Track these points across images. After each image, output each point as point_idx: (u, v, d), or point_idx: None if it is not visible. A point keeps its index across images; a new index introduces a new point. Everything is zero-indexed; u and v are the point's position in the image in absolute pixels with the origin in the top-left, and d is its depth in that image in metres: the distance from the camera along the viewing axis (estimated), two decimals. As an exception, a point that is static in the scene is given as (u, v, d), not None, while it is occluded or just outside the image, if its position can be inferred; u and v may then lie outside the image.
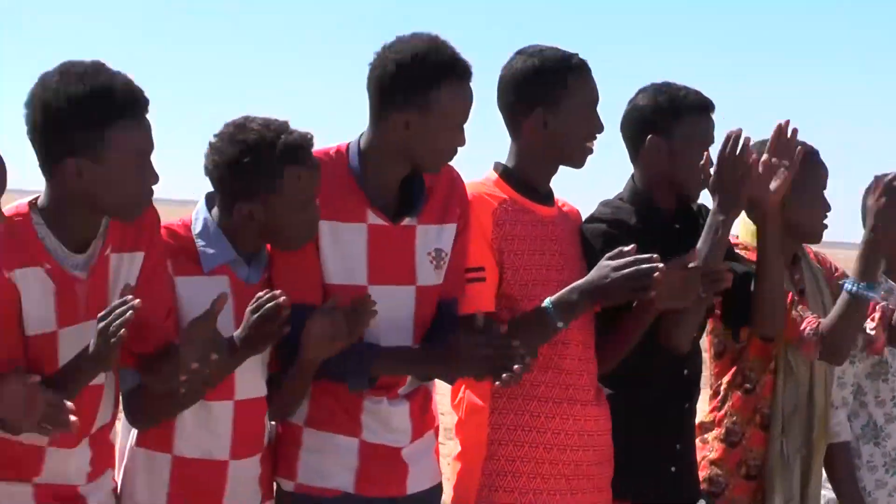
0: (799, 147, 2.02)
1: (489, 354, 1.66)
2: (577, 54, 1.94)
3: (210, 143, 1.72)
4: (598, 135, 1.97)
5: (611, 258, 1.79)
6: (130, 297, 1.40)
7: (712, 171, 1.96)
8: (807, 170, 2.10)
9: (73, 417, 1.37)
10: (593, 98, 1.95)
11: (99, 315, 1.42)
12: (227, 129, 1.71)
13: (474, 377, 1.78)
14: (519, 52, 1.96)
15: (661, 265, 1.74)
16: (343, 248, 1.77)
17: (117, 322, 1.36)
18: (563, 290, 1.82)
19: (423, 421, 1.88)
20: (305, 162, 1.68)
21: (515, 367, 1.61)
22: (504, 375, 1.62)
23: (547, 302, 1.81)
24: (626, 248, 1.78)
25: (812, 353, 2.07)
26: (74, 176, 1.48)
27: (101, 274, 1.57)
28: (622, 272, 1.76)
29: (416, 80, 1.70)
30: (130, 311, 1.36)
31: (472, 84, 1.79)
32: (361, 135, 1.84)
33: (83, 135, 1.47)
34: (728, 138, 1.92)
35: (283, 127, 1.69)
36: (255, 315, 1.59)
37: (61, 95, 1.46)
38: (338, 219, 1.75)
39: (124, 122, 1.49)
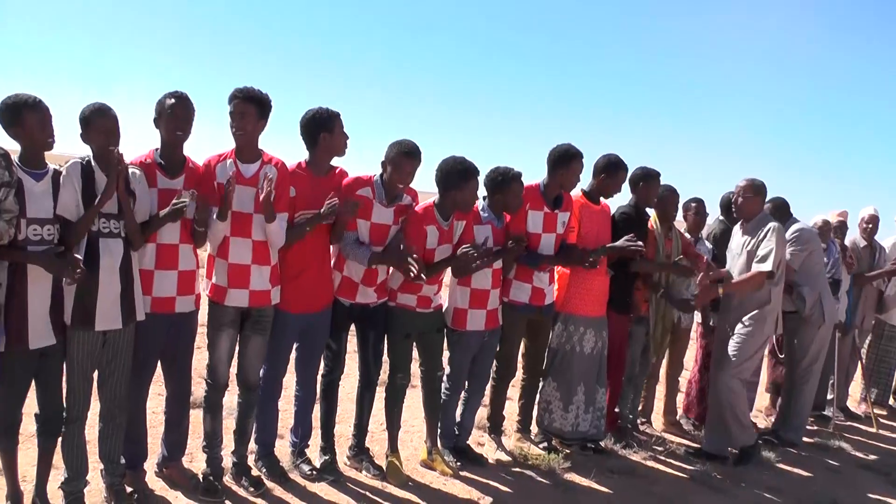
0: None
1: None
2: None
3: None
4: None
5: (627, 239, 4.61)
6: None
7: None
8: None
9: None
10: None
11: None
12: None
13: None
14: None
15: (640, 244, 4.64)
16: (535, 219, 4.54)
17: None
18: (606, 245, 4.69)
19: (551, 279, 4.72)
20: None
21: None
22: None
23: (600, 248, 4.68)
24: (630, 235, 4.62)
25: None
26: None
27: None
28: (630, 245, 4.60)
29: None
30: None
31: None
32: (543, 180, 4.64)
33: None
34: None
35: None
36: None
37: None
38: (535, 208, 4.55)
39: None
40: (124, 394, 3.47)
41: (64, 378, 3.29)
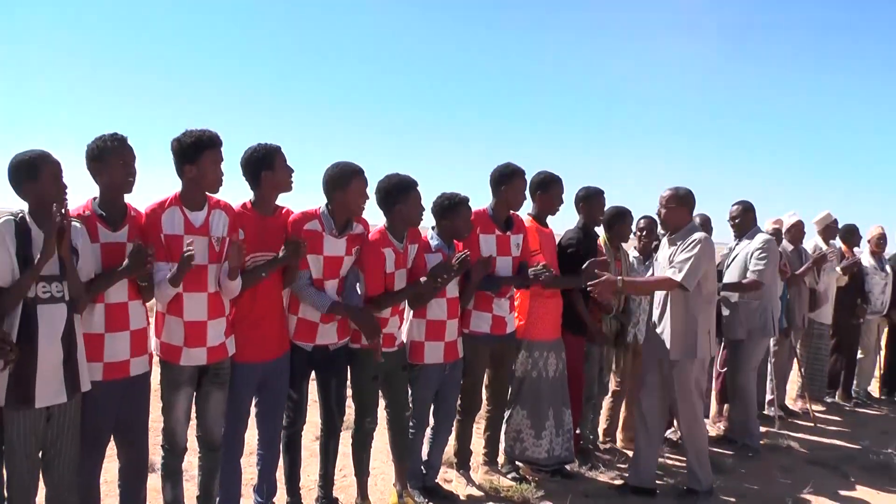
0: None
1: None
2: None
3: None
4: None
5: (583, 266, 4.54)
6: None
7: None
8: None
9: None
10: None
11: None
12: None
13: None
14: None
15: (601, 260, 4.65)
16: (488, 243, 4.52)
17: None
18: (564, 277, 4.75)
19: (511, 307, 4.65)
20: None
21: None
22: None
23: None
24: (594, 260, 4.56)
25: None
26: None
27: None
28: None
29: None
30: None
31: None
32: (490, 204, 4.62)
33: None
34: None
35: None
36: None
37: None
38: (485, 232, 4.53)
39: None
40: (74, 475, 3.09)
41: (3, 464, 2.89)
